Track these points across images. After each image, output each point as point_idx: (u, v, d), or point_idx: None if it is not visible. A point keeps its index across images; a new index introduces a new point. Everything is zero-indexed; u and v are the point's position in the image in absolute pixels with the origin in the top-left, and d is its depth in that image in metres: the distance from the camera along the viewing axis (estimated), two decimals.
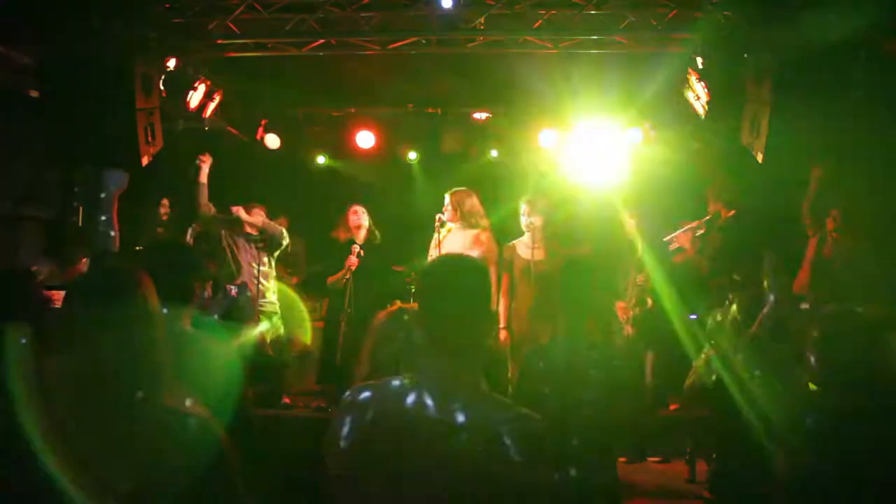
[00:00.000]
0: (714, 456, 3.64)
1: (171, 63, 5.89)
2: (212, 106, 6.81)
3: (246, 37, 5.89)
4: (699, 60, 5.79)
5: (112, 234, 6.37)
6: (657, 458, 5.28)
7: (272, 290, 6.01)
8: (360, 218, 6.13)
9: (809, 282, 5.17)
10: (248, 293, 5.72)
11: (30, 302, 2.42)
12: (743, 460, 2.71)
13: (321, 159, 8.22)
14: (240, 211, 5.82)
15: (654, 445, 5.31)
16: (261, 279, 5.80)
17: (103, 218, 6.46)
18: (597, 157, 7.77)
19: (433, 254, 5.48)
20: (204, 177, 5.78)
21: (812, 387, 2.45)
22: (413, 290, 5.81)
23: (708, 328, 3.69)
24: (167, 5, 5.63)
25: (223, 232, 5.84)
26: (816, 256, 5.48)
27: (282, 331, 6.19)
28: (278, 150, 7.99)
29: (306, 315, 7.49)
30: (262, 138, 7.94)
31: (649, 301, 5.30)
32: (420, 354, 1.73)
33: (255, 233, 5.90)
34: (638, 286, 5.33)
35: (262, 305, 5.80)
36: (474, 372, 1.69)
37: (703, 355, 3.58)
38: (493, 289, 5.17)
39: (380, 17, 5.69)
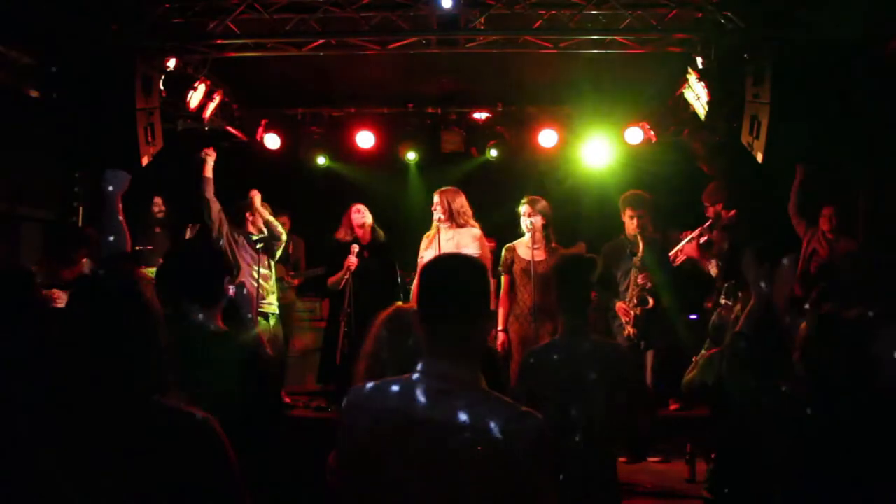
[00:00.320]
0: (714, 456, 3.64)
1: (171, 63, 5.88)
2: (212, 106, 6.80)
3: (246, 37, 5.89)
4: (699, 60, 5.79)
5: (115, 237, 6.31)
6: (657, 458, 5.28)
7: (271, 292, 6.01)
8: (363, 216, 6.13)
9: (808, 281, 5.16)
10: (246, 292, 5.70)
11: (30, 302, 2.42)
12: (743, 460, 2.71)
13: (321, 160, 8.21)
14: (256, 196, 5.84)
15: (654, 445, 5.31)
16: (260, 280, 5.80)
17: (110, 220, 6.41)
18: (597, 156, 7.79)
19: (427, 254, 5.46)
20: (209, 171, 5.76)
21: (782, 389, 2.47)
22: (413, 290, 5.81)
23: (711, 326, 3.69)
24: (167, 5, 5.62)
25: (225, 230, 5.83)
26: (811, 256, 5.50)
27: (281, 332, 6.19)
28: (278, 150, 7.99)
29: (305, 316, 7.51)
30: (262, 138, 7.94)
31: (650, 301, 5.30)
32: (420, 354, 1.73)
33: (255, 232, 5.90)
34: (638, 286, 5.33)
35: (260, 306, 5.80)
36: (474, 372, 1.69)
37: (703, 352, 3.58)
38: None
39: (380, 17, 5.68)
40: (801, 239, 5.85)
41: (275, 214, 6.10)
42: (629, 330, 5.31)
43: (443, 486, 1.59)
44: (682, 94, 6.40)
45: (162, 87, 5.93)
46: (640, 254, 5.36)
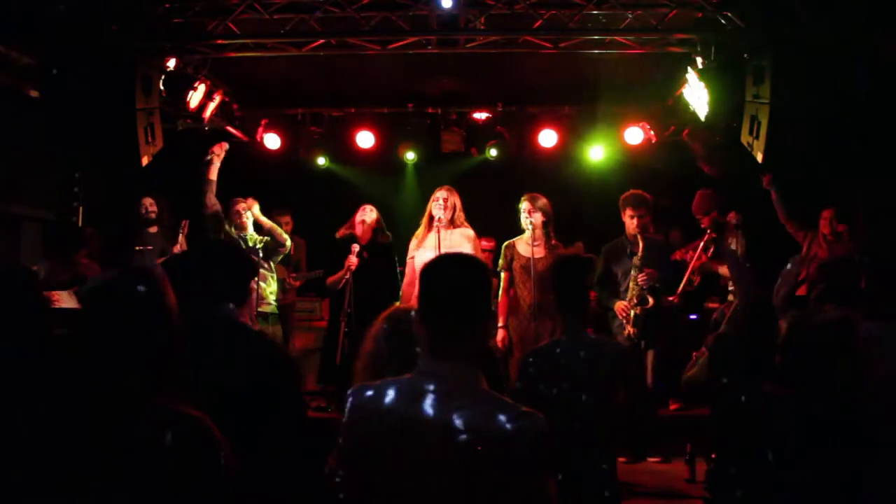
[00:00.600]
0: (714, 456, 3.64)
1: (171, 63, 5.88)
2: (212, 106, 6.80)
3: (246, 37, 5.89)
4: (699, 60, 5.79)
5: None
6: (657, 458, 5.28)
7: (271, 292, 6.00)
8: (365, 213, 6.07)
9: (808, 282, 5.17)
10: None
11: (30, 302, 2.42)
12: (743, 460, 2.71)
13: (321, 160, 8.21)
14: (254, 206, 5.84)
15: (654, 445, 5.31)
16: (259, 281, 5.79)
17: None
18: (597, 156, 7.79)
19: (427, 254, 5.43)
20: (214, 173, 5.69)
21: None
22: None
23: (713, 321, 3.70)
24: (167, 5, 5.62)
25: (226, 230, 5.82)
26: (812, 259, 5.49)
27: (280, 332, 6.18)
28: (278, 150, 7.99)
29: (305, 316, 7.51)
30: (262, 138, 7.94)
31: (650, 301, 5.30)
32: (420, 355, 1.73)
33: (248, 231, 5.88)
34: (638, 286, 5.32)
35: (259, 306, 5.79)
36: (474, 372, 1.69)
37: (704, 349, 3.59)
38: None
39: (380, 17, 5.68)
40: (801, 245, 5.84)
41: (276, 213, 6.08)
42: (629, 330, 5.31)
43: (443, 486, 1.59)
44: (682, 94, 6.40)
45: (162, 87, 5.92)
46: (640, 254, 5.36)
